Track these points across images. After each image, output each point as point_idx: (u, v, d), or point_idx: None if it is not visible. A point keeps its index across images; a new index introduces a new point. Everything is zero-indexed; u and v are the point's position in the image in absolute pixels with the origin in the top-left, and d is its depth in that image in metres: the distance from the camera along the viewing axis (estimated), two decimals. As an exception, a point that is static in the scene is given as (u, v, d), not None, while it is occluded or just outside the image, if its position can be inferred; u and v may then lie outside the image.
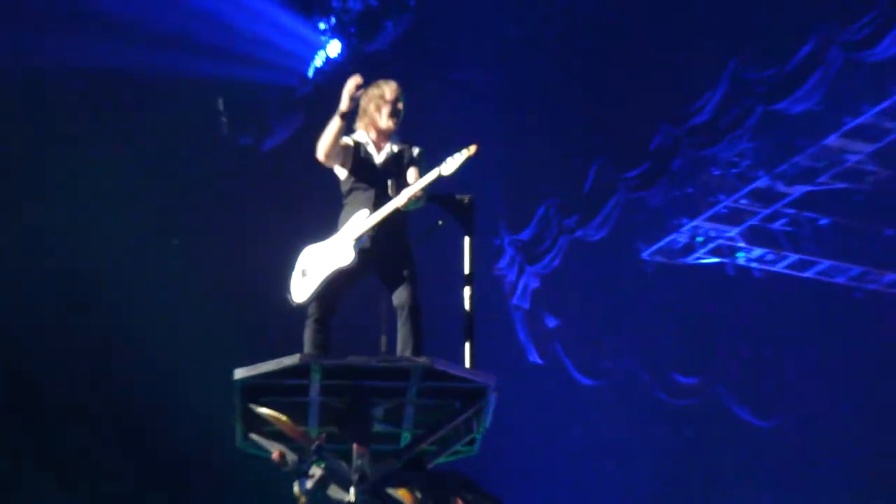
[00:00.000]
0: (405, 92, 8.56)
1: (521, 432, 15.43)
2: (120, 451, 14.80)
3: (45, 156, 15.16)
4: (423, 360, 8.06)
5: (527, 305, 16.41)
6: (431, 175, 8.20)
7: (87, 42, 14.76)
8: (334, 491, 8.09)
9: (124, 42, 14.88)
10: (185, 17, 15.10)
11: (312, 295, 8.28)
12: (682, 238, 16.43)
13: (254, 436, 8.34)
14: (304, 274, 8.34)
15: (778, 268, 16.68)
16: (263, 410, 8.16)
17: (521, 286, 16.32)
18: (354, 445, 8.07)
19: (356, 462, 8.01)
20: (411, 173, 8.43)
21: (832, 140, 14.58)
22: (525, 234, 16.08)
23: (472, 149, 8.11)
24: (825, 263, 16.50)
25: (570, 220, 15.69)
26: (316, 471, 8.06)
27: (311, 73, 15.86)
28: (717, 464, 16.89)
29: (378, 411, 8.31)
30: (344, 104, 8.31)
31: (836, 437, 16.47)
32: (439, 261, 9.42)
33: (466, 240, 8.61)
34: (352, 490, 7.97)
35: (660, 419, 16.80)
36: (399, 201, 8.23)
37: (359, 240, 8.28)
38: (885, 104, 14.04)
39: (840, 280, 16.71)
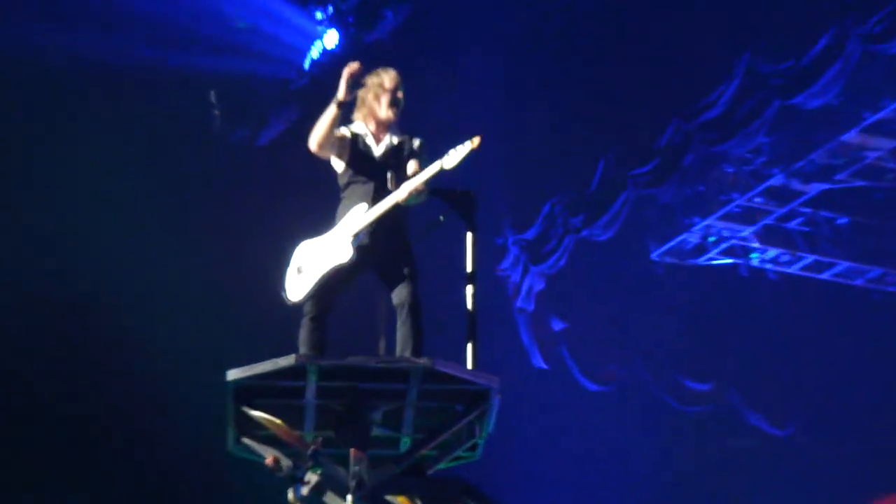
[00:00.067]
0: (405, 82, 8.57)
1: (525, 438, 15.42)
2: (111, 453, 14.88)
3: (35, 153, 15.23)
4: (423, 361, 8.08)
5: (531, 307, 16.42)
6: (433, 168, 8.19)
7: (79, 34, 14.81)
8: (331, 498, 8.10)
9: (113, 33, 14.92)
10: (177, 8, 15.12)
11: (308, 293, 8.29)
12: (693, 238, 16.42)
13: (246, 440, 8.35)
14: (299, 271, 8.35)
15: (793, 269, 16.68)
16: (257, 413, 8.18)
17: (525, 287, 16.33)
18: (352, 450, 8.08)
19: (354, 468, 8.02)
20: (412, 166, 8.43)
21: (851, 136, 14.56)
22: (529, 234, 16.09)
23: (476, 141, 8.11)
24: (843, 265, 16.50)
25: (577, 219, 15.69)
26: (311, 477, 8.05)
27: (307, 64, 15.88)
28: (730, 474, 16.89)
29: (376, 414, 8.32)
30: (341, 92, 8.31)
31: (854, 446, 16.46)
32: (441, 258, 9.44)
33: (469, 236, 8.62)
34: (349, 497, 7.99)
35: (670, 427, 16.81)
36: (399, 195, 8.23)
37: (357, 235, 8.29)
38: (907, 98, 14.06)
39: (858, 282, 16.72)
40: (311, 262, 8.30)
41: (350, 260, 8.24)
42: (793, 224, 16.30)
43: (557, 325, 16.54)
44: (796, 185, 15.45)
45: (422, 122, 8.97)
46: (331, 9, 15.61)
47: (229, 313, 14.81)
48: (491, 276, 15.94)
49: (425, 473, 8.41)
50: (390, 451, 8.49)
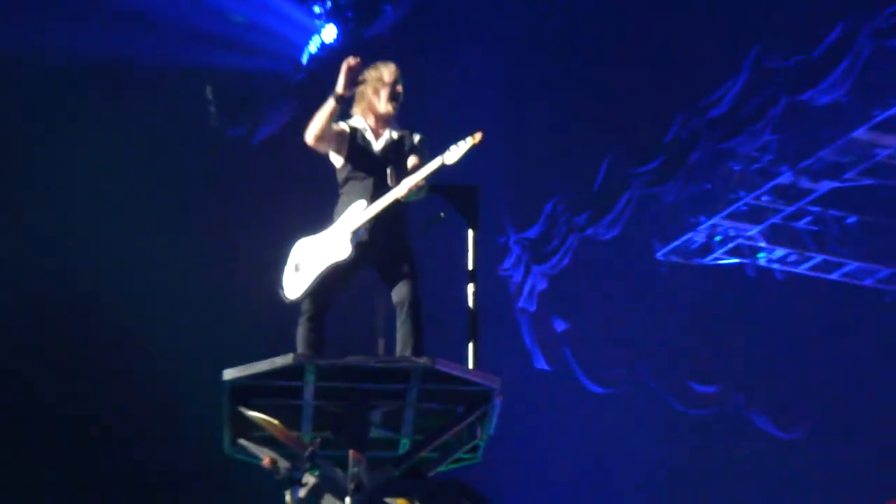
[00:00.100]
0: (405, 77, 8.55)
1: (527, 439, 15.41)
2: (111, 453, 14.93)
3: (35, 153, 15.28)
4: (423, 360, 8.06)
5: (533, 308, 16.41)
6: (434, 164, 8.17)
7: (79, 34, 14.85)
8: (329, 500, 8.10)
9: (112, 31, 14.95)
10: (175, 3, 15.14)
11: (306, 291, 8.28)
12: (699, 237, 16.40)
13: (243, 441, 8.35)
14: (297, 269, 8.33)
15: (801, 269, 16.66)
16: (254, 414, 8.17)
17: (527, 287, 16.31)
18: (350, 452, 8.08)
19: (352, 470, 8.02)
20: (412, 161, 8.41)
21: (860, 133, 14.53)
22: (532, 232, 16.07)
23: (478, 136, 8.09)
24: (852, 265, 16.47)
25: (580, 218, 15.67)
26: (309, 479, 8.05)
27: (305, 59, 15.88)
28: (736, 478, 16.87)
29: (376, 415, 8.32)
30: (340, 86, 8.29)
31: (862, 449, 16.43)
32: (441, 256, 9.42)
33: (470, 233, 8.61)
34: (347, 499, 7.98)
35: (675, 430, 16.79)
36: (399, 192, 8.22)
37: (356, 232, 8.27)
38: (919, 96, 14.05)
39: (868, 282, 16.69)
40: (309, 260, 8.29)
41: (349, 257, 8.23)
42: (801, 223, 16.27)
43: (560, 326, 16.52)
44: (805, 183, 15.41)
45: (421, 118, 8.95)
46: (329, 3, 15.63)
47: (229, 313, 14.85)
48: (493, 276, 15.91)
49: (425, 476, 8.40)
50: (389, 452, 8.49)
